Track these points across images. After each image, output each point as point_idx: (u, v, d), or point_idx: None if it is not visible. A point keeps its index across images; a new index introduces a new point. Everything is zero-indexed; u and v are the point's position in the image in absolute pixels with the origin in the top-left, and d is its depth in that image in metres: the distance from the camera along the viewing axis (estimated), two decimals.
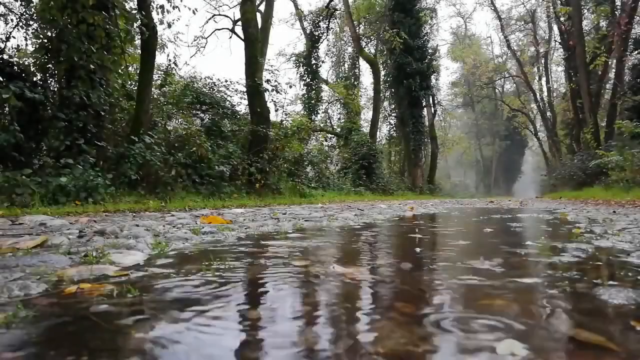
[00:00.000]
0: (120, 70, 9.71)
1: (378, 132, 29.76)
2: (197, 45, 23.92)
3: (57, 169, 6.76)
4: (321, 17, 28.54)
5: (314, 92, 27.80)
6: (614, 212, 5.62)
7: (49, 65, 8.03)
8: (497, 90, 48.18)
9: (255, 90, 12.68)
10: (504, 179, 58.78)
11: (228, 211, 6.00)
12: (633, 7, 19.44)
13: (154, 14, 9.52)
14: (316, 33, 28.78)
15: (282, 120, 15.57)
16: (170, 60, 15.58)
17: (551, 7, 28.34)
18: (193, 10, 11.26)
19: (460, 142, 49.04)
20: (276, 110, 14.95)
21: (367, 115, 32.86)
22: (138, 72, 10.54)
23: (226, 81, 14.69)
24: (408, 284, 1.34)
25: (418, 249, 2.19)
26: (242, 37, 14.40)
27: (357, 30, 26.99)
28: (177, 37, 27.83)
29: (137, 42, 10.52)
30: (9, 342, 0.80)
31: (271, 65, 15.32)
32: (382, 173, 24.12)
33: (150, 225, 3.22)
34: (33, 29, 8.66)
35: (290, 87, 15.59)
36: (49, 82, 8.18)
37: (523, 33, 36.38)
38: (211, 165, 10.28)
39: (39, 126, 7.51)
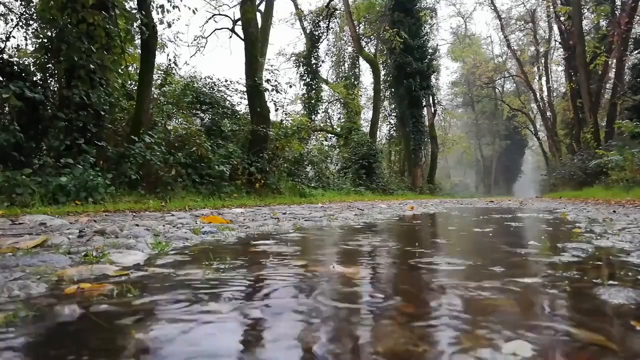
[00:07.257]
0: (120, 70, 9.68)
1: (378, 132, 29.78)
2: (197, 45, 23.90)
3: (57, 169, 6.76)
4: (321, 17, 28.55)
5: (314, 91, 27.80)
6: (614, 211, 5.62)
7: (49, 65, 8.02)
8: (497, 90, 48.15)
9: (255, 90, 12.67)
10: (504, 178, 58.75)
11: (228, 211, 6.00)
12: (633, 6, 19.43)
13: (154, 13, 9.52)
14: (316, 33, 28.79)
15: (282, 120, 15.57)
16: (170, 60, 15.56)
17: (551, 7, 28.32)
18: (193, 10, 11.28)
19: (460, 142, 49.00)
20: (276, 110, 14.98)
21: (367, 115, 32.91)
22: (138, 72, 10.53)
23: (226, 81, 14.69)
24: (408, 284, 1.34)
25: (418, 249, 2.19)
26: (242, 36, 14.40)
27: (357, 30, 26.98)
28: (177, 37, 27.89)
29: (137, 42, 10.51)
30: (9, 342, 0.80)
31: (271, 65, 15.35)
32: (382, 173, 24.12)
33: (150, 225, 3.21)
34: (33, 28, 8.65)
35: (290, 87, 15.62)
36: (49, 82, 8.16)
37: (523, 33, 36.37)
38: (211, 165, 10.27)
39: (39, 126, 7.51)
